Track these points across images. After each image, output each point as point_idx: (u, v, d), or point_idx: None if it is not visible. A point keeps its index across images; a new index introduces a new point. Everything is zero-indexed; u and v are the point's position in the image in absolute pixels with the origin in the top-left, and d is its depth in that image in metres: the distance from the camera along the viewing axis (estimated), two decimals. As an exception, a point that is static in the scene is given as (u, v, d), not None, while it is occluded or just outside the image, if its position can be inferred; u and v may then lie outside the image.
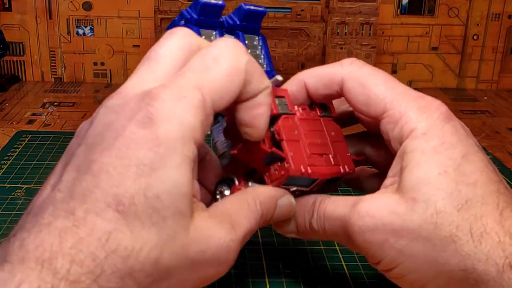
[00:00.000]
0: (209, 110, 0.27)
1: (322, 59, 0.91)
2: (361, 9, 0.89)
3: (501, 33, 0.92)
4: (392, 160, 0.33)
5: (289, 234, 0.36)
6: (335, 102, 0.37)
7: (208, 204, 0.31)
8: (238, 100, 0.29)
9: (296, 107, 0.34)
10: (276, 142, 0.32)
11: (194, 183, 0.28)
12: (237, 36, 0.36)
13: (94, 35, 0.90)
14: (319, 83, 0.35)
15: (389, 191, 0.32)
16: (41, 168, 0.57)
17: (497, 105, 0.85)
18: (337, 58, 0.91)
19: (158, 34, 0.89)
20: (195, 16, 0.34)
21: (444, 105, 0.33)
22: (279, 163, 0.33)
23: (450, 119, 0.32)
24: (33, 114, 0.76)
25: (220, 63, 0.27)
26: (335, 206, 0.33)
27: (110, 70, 0.92)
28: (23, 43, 0.90)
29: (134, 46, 0.91)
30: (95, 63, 0.91)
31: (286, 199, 0.34)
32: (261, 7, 0.37)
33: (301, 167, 0.32)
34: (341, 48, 0.90)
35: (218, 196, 0.35)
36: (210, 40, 0.32)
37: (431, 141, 0.31)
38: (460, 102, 0.86)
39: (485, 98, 0.89)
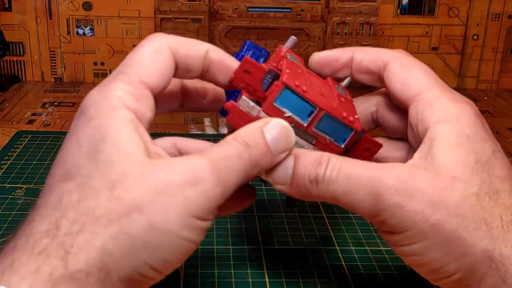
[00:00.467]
0: (137, 84, 0.31)
1: (322, 59, 0.91)
2: (361, 9, 0.89)
3: (501, 33, 0.92)
4: (404, 128, 0.34)
5: (278, 186, 0.32)
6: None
7: None
8: (193, 70, 0.33)
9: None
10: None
11: (143, 134, 0.30)
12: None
13: (94, 35, 0.90)
14: (366, 55, 0.36)
15: (421, 168, 0.31)
16: (41, 168, 0.57)
17: (497, 105, 0.86)
18: (337, 58, 0.91)
19: (158, 34, 0.89)
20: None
21: (474, 104, 0.33)
22: (276, 82, 0.32)
23: (480, 115, 0.33)
24: (33, 114, 0.76)
25: (140, 48, 0.33)
26: (357, 165, 0.31)
27: (110, 70, 0.92)
28: (23, 43, 0.90)
29: (134, 46, 0.90)
30: (95, 63, 0.91)
31: (274, 123, 0.31)
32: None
33: (296, 82, 0.31)
34: (341, 48, 0.90)
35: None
36: None
37: (466, 128, 0.31)
38: (460, 102, 0.85)
39: (485, 98, 0.89)
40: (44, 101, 0.82)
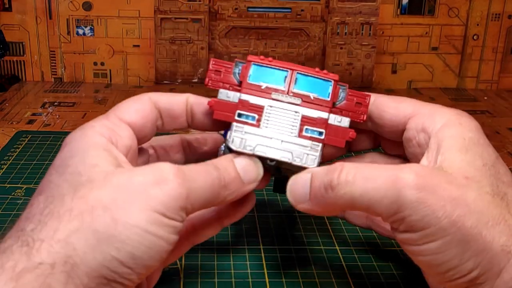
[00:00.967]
0: (113, 118, 0.34)
1: (322, 59, 0.91)
2: (361, 9, 0.89)
3: (501, 33, 0.92)
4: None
5: (299, 206, 0.33)
6: None
7: None
8: (177, 116, 0.36)
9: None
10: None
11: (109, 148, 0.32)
12: None
13: (94, 35, 0.90)
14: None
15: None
16: (41, 168, 0.57)
17: (497, 105, 0.85)
18: (337, 58, 0.91)
19: (158, 34, 0.89)
20: None
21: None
22: (243, 65, 0.35)
23: (476, 122, 0.34)
24: (33, 114, 0.76)
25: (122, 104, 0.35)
26: (372, 167, 0.31)
27: (110, 70, 0.92)
28: (23, 43, 0.90)
29: (134, 46, 0.91)
30: (95, 63, 0.91)
31: (243, 157, 0.34)
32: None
33: (261, 57, 0.35)
34: (341, 48, 0.90)
35: None
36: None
37: (469, 132, 0.33)
38: (460, 102, 0.85)
39: (485, 98, 0.89)
40: (44, 101, 0.82)
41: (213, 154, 0.40)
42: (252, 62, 0.34)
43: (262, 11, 0.89)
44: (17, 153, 0.61)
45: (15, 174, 0.56)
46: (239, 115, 0.34)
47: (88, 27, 0.90)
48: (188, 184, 0.30)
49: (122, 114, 0.34)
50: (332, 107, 0.35)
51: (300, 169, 0.34)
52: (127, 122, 0.34)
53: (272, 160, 0.34)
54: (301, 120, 0.34)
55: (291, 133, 0.34)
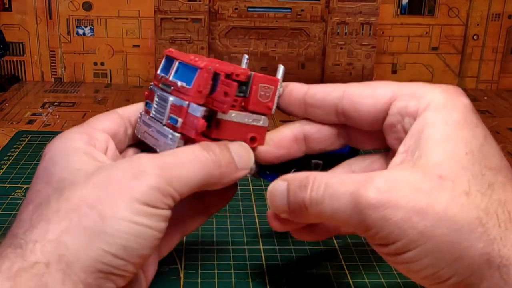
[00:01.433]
0: (87, 127, 0.34)
1: (322, 59, 0.91)
2: (361, 9, 0.89)
3: (501, 33, 0.92)
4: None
5: (283, 215, 0.34)
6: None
7: None
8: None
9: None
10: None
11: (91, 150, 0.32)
12: None
13: (94, 35, 0.90)
14: (320, 89, 0.35)
15: (406, 167, 0.30)
16: (41, 168, 0.57)
17: (497, 105, 0.86)
18: (337, 58, 0.91)
19: (158, 34, 0.89)
20: None
21: (458, 87, 0.32)
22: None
23: (466, 96, 0.31)
24: (33, 114, 0.76)
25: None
26: (340, 180, 0.30)
27: (110, 70, 0.92)
28: (23, 43, 0.90)
29: (134, 46, 0.91)
30: (95, 63, 0.91)
31: (238, 143, 0.34)
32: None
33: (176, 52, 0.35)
34: (341, 48, 0.90)
35: None
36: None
37: (454, 113, 0.30)
38: (460, 102, 0.85)
39: (485, 98, 0.89)
40: (44, 101, 0.82)
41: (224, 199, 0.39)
42: (165, 55, 0.35)
43: (262, 11, 0.89)
44: (17, 153, 0.61)
45: (15, 174, 0.56)
46: (146, 103, 0.36)
47: (88, 27, 0.90)
48: (168, 172, 0.30)
49: (95, 124, 0.35)
50: (208, 96, 0.33)
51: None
52: (101, 129, 0.35)
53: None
54: (169, 109, 0.34)
55: (162, 121, 0.34)
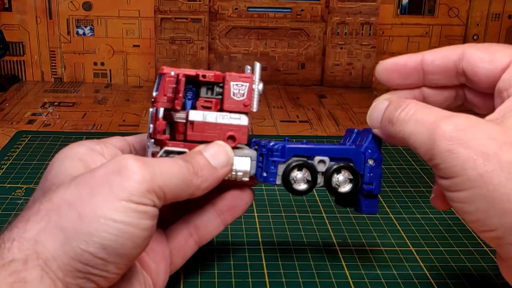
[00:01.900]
0: (91, 143, 0.35)
1: (322, 59, 0.91)
2: (361, 9, 0.89)
3: (501, 33, 0.92)
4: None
5: (374, 130, 0.36)
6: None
7: None
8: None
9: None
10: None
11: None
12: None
13: (94, 35, 0.90)
14: (437, 54, 0.36)
15: (491, 122, 0.31)
16: (41, 168, 0.57)
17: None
18: (337, 58, 0.91)
19: (158, 34, 0.89)
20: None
21: None
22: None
23: None
24: (33, 114, 0.76)
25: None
26: (428, 111, 0.32)
27: (110, 70, 0.92)
28: (23, 43, 0.90)
29: (134, 46, 0.91)
30: (95, 63, 0.91)
31: (212, 144, 0.35)
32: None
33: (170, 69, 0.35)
34: (341, 48, 0.90)
35: None
36: None
37: None
38: (460, 102, 0.85)
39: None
40: (44, 101, 0.82)
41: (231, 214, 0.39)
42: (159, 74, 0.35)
43: (262, 11, 0.89)
44: (17, 153, 0.61)
45: (15, 174, 0.56)
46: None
47: (88, 27, 0.90)
48: (150, 168, 0.30)
49: (105, 140, 0.36)
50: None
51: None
52: (110, 143, 0.36)
53: None
54: (151, 119, 0.35)
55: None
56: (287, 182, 0.36)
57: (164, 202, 0.31)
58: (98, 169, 0.30)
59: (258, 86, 0.36)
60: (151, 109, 0.35)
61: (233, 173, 0.36)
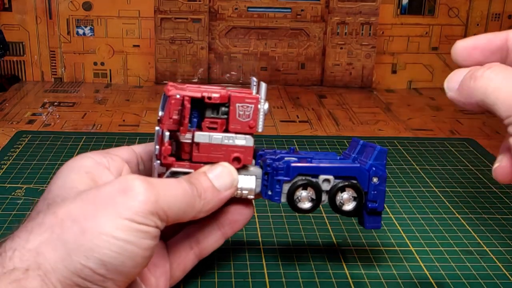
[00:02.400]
0: (98, 154, 0.35)
1: (322, 59, 0.91)
2: (361, 9, 0.89)
3: (501, 33, 0.92)
4: None
5: (449, 93, 0.35)
6: None
7: None
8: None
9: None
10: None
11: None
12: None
13: (94, 35, 0.90)
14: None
15: None
16: (41, 168, 0.57)
17: (497, 105, 0.85)
18: (337, 58, 0.91)
19: (158, 34, 0.89)
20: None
21: None
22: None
23: None
24: (33, 114, 0.76)
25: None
26: None
27: (110, 70, 0.92)
28: (23, 43, 0.90)
29: (134, 46, 0.91)
30: (95, 63, 0.91)
31: (216, 166, 0.35)
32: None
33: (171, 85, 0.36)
34: (341, 48, 0.90)
35: None
36: None
37: None
38: (460, 102, 0.85)
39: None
40: (44, 101, 0.82)
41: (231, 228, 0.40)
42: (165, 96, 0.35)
43: (262, 11, 0.89)
44: (17, 153, 0.61)
45: (15, 174, 0.56)
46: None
47: (88, 27, 0.90)
48: (155, 190, 0.30)
49: (111, 151, 0.36)
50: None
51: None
52: (117, 155, 0.36)
53: None
54: (157, 139, 0.35)
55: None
56: (291, 200, 0.36)
57: (166, 223, 0.31)
58: (104, 186, 0.30)
59: (264, 106, 0.35)
60: (157, 128, 0.35)
61: (239, 191, 0.36)
